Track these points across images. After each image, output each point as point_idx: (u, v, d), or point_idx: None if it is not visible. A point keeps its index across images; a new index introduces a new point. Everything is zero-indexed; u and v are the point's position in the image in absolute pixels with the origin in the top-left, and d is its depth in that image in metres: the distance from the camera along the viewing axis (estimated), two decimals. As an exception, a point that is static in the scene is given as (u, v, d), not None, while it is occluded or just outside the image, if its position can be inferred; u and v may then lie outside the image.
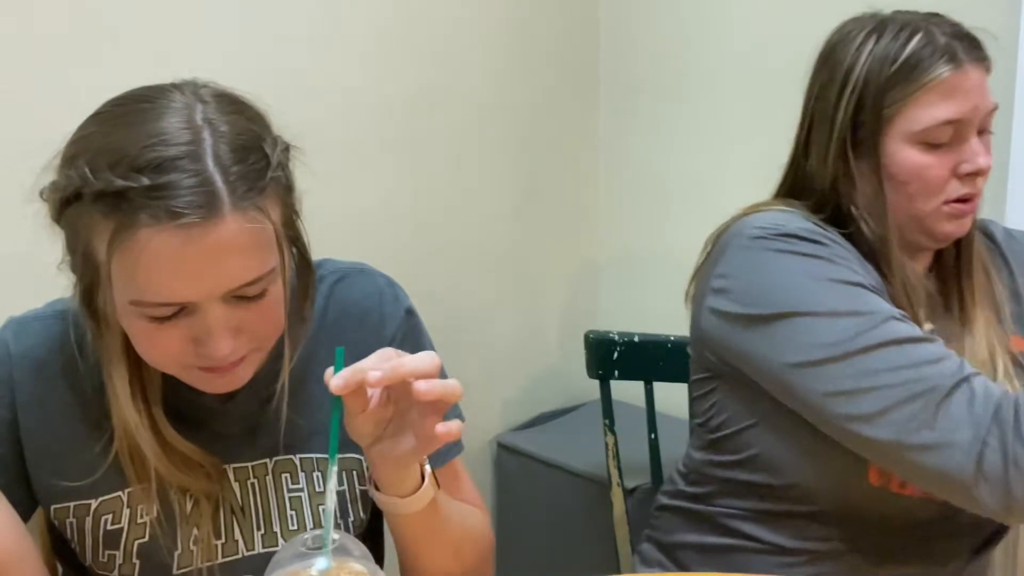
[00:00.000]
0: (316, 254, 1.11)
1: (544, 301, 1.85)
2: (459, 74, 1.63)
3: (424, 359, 0.80)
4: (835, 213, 1.07)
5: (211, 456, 0.94)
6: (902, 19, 1.05)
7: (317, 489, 0.98)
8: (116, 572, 0.94)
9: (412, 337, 1.06)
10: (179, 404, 0.93)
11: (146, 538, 0.93)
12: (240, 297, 0.82)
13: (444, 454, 1.01)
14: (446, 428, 0.80)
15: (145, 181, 0.75)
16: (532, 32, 1.75)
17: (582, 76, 1.87)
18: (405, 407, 0.82)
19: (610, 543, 1.43)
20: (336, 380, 0.78)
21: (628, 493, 1.45)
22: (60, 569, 1.03)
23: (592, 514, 1.63)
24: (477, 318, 1.75)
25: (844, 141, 1.05)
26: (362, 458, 1.00)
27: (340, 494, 0.99)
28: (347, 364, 1.00)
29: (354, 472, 1.00)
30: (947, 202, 1.04)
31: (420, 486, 0.88)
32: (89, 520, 0.93)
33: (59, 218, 0.82)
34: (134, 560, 0.93)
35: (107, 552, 0.94)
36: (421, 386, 0.78)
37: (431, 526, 0.92)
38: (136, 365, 0.89)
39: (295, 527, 0.97)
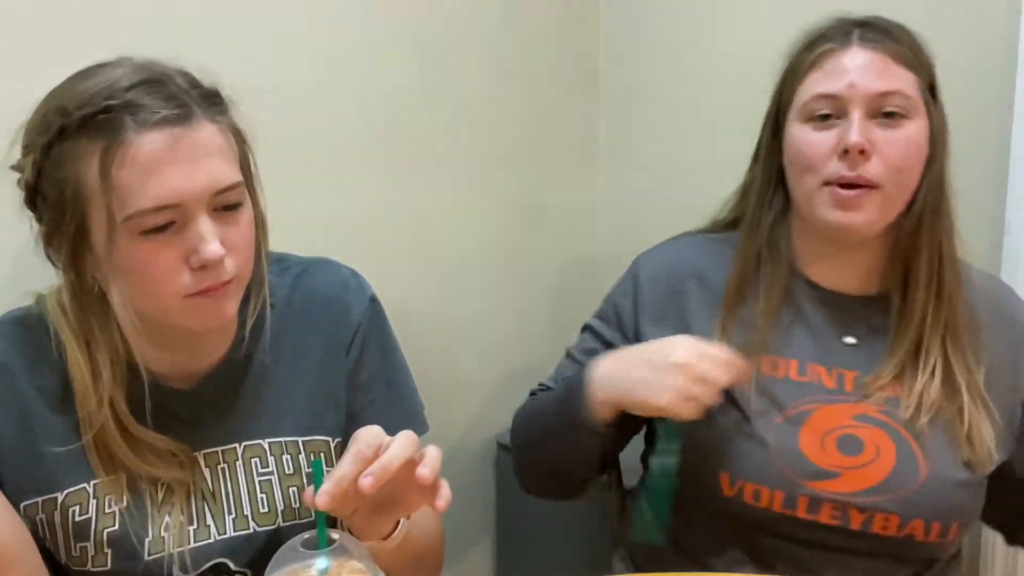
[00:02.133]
0: (315, 255, 1.12)
1: (544, 301, 1.85)
2: (459, 74, 1.63)
3: (406, 443, 0.84)
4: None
5: (181, 444, 0.96)
6: (834, 16, 1.08)
7: (287, 471, 1.01)
8: (90, 564, 0.95)
9: (376, 324, 1.09)
10: (145, 394, 0.94)
11: (115, 527, 0.95)
12: (223, 209, 0.88)
13: None
14: (445, 501, 0.85)
15: (126, 96, 0.83)
16: (532, 32, 1.74)
17: (582, 77, 1.87)
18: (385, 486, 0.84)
19: (610, 543, 1.44)
20: (320, 497, 0.79)
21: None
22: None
23: (592, 514, 1.63)
24: (477, 318, 1.75)
25: (770, 131, 1.12)
26: (330, 439, 1.02)
27: (309, 476, 1.01)
28: (315, 348, 1.03)
29: (321, 454, 1.02)
30: (827, 183, 1.03)
31: (396, 527, 0.92)
32: (58, 514, 0.94)
33: (39, 174, 0.86)
34: (105, 549, 0.95)
35: (78, 545, 0.95)
36: (424, 472, 0.82)
37: (401, 551, 0.94)
38: (96, 361, 0.92)
39: (266, 510, 0.99)
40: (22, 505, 0.95)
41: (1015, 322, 1.12)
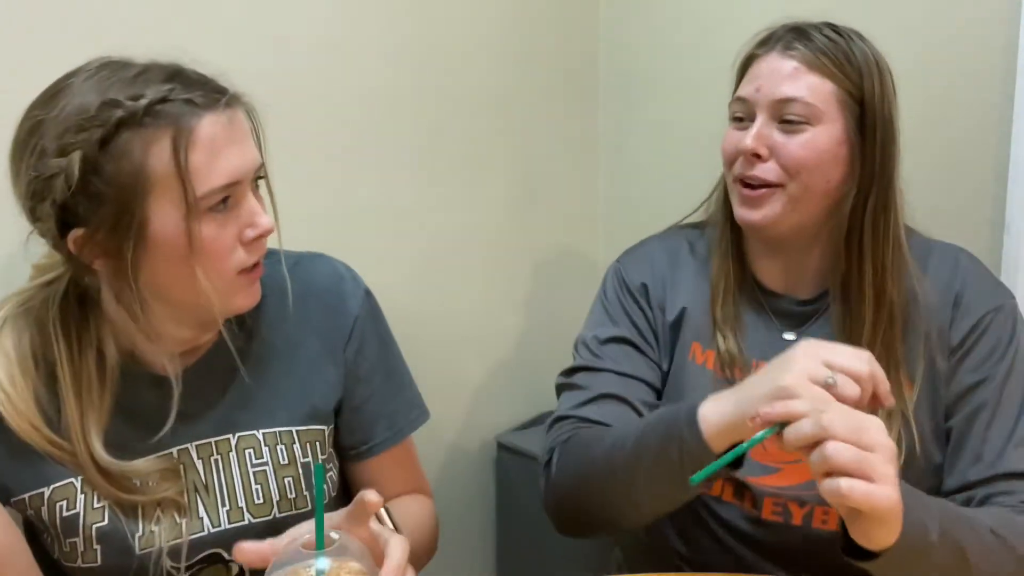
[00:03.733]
0: (312, 251, 1.12)
1: (544, 301, 1.85)
2: (458, 74, 1.63)
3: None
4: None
5: (167, 460, 0.97)
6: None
7: (282, 462, 1.01)
8: (80, 560, 0.95)
9: (373, 316, 1.11)
10: (135, 394, 0.95)
11: (105, 522, 0.95)
12: (256, 182, 0.95)
13: (400, 430, 1.11)
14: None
15: (169, 86, 0.87)
16: (532, 32, 1.74)
17: (582, 76, 1.87)
18: None
19: (609, 543, 1.44)
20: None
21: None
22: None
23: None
24: (477, 318, 1.75)
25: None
26: (324, 428, 1.04)
27: (304, 466, 1.02)
28: (310, 339, 1.05)
29: (316, 443, 1.03)
30: (735, 180, 1.09)
31: None
32: (45, 510, 0.95)
33: (92, 171, 0.85)
34: (95, 545, 0.95)
35: (68, 540, 0.95)
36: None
37: None
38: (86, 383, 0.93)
39: (261, 500, 1.00)
40: (11, 500, 0.95)
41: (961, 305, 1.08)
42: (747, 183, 1.07)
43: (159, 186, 0.86)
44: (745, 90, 1.08)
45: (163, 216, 0.87)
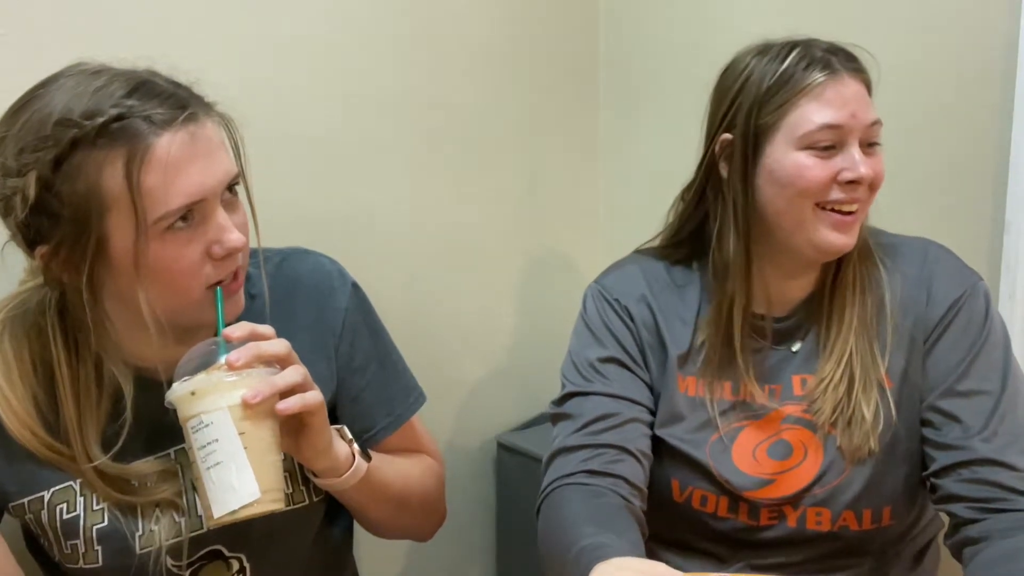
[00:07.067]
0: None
1: (544, 301, 1.85)
2: (458, 74, 1.63)
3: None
4: (695, 242, 1.19)
5: (166, 459, 0.97)
6: (784, 40, 1.10)
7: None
8: (81, 561, 0.96)
9: (362, 308, 1.11)
10: (132, 396, 0.95)
11: (104, 523, 0.95)
12: (229, 194, 0.92)
13: (400, 415, 1.13)
14: (252, 392, 0.88)
15: (130, 102, 0.84)
16: (532, 32, 1.74)
17: (582, 76, 1.87)
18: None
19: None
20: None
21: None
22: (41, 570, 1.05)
23: (592, 514, 1.62)
24: (477, 318, 1.75)
25: (714, 156, 1.14)
26: None
27: (301, 466, 1.03)
28: (301, 334, 1.06)
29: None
30: (823, 205, 1.06)
31: (352, 465, 0.98)
32: (45, 513, 0.95)
33: (47, 190, 0.84)
34: (96, 547, 0.95)
35: (69, 543, 0.95)
36: (231, 357, 0.87)
37: (370, 491, 1.01)
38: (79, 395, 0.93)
39: None
40: (10, 506, 0.95)
41: (930, 297, 1.12)
42: (843, 208, 1.06)
43: (115, 206, 0.84)
44: (837, 116, 1.04)
45: (123, 235, 0.85)
